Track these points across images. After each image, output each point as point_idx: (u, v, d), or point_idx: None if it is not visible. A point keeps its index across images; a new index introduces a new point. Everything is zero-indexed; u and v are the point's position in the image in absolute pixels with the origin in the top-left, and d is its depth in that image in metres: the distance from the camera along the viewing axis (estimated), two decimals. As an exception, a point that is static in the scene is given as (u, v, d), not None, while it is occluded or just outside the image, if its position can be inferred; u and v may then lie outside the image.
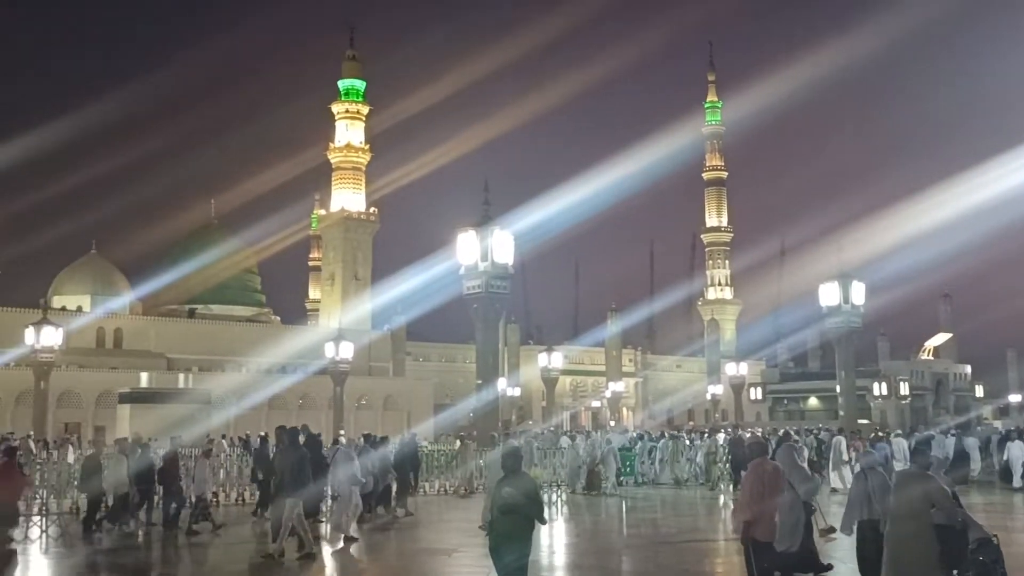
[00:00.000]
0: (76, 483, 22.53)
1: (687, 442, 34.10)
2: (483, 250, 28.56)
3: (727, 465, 30.08)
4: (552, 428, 51.11)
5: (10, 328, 54.42)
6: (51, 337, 46.06)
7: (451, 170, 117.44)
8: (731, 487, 28.85)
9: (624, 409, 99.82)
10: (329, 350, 54.38)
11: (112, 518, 20.14)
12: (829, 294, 41.40)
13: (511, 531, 9.62)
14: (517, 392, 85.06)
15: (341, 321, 68.79)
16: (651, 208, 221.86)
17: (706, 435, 36.43)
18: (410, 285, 79.59)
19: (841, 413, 43.93)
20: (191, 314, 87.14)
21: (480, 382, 31.09)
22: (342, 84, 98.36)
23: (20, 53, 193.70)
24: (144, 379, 54.79)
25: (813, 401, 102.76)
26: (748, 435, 31.67)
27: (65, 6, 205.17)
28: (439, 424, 67.78)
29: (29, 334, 45.95)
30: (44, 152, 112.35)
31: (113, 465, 20.46)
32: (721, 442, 32.44)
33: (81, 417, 64.82)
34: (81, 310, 78.74)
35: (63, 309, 75.11)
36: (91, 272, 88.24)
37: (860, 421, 49.67)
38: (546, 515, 11.26)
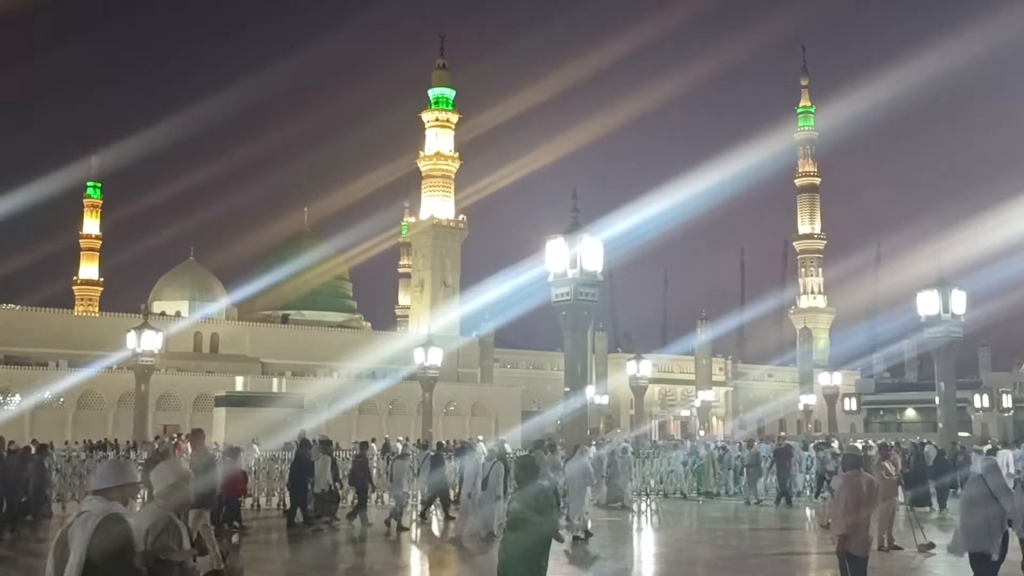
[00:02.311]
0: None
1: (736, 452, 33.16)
2: (572, 257, 28.41)
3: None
4: (624, 438, 50.63)
5: (113, 332, 56.21)
6: (151, 341, 47.28)
7: (539, 177, 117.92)
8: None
9: (714, 418, 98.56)
10: (418, 356, 54.73)
11: (321, 511, 21.53)
12: (928, 303, 40.12)
13: (520, 549, 8.64)
14: (605, 400, 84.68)
15: (430, 327, 69.35)
16: (742, 215, 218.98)
17: (744, 444, 35.34)
18: (498, 292, 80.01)
19: (940, 425, 42.59)
20: (285, 320, 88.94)
21: (568, 389, 30.93)
22: (432, 93, 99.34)
23: (116, 64, 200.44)
24: (239, 383, 55.97)
25: (910, 413, 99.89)
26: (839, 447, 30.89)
27: (158, 24, 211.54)
28: (527, 431, 67.81)
29: (131, 338, 47.23)
30: (145, 162, 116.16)
31: (320, 466, 21.71)
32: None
33: (179, 419, 66.56)
34: (179, 315, 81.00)
35: (163, 314, 77.37)
36: (189, 278, 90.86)
37: (960, 434, 48.08)
38: (563, 530, 10.62)
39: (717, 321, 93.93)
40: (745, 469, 30.02)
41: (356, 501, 22.16)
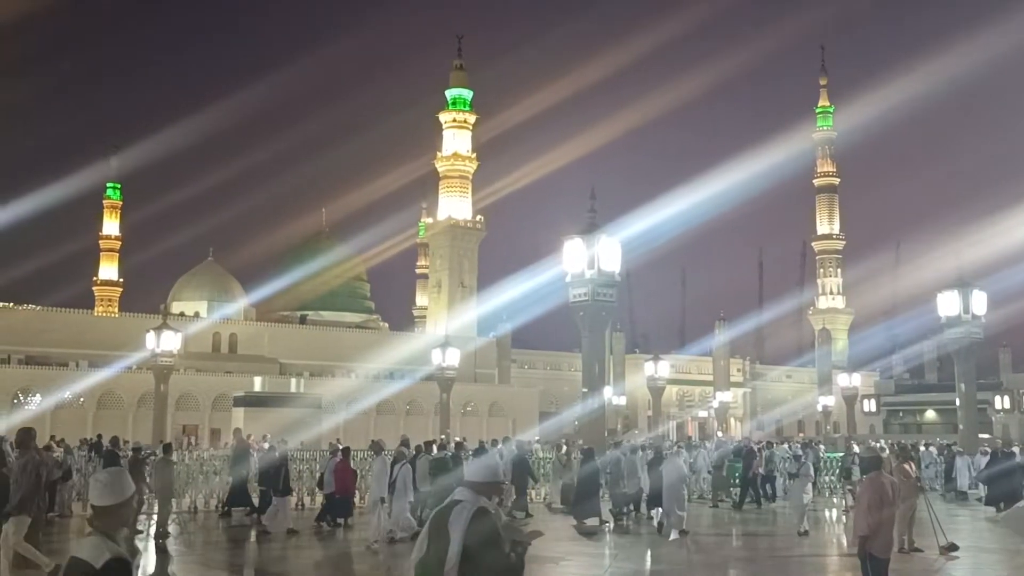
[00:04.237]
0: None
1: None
2: (589, 258, 28.36)
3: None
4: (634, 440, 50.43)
5: (133, 333, 56.54)
6: (170, 342, 47.44)
7: (557, 177, 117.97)
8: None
9: (732, 419, 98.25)
10: (436, 356, 54.81)
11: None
12: (948, 304, 39.87)
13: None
14: (623, 401, 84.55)
15: (447, 328, 69.53)
16: (760, 215, 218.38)
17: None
18: (515, 293, 79.91)
19: (960, 427, 42.32)
20: (303, 320, 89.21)
21: (585, 390, 30.87)
22: (449, 93, 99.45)
23: (135, 64, 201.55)
24: (258, 383, 56.11)
25: (930, 414, 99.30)
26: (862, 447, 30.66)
27: (177, 24, 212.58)
28: (544, 432, 67.76)
29: (150, 339, 47.40)
30: (164, 163, 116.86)
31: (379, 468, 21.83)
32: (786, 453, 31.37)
33: (198, 419, 66.86)
34: (198, 316, 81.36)
35: (181, 315, 77.76)
36: (208, 279, 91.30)
37: (981, 435, 47.74)
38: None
39: (735, 322, 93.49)
40: (712, 470, 29.91)
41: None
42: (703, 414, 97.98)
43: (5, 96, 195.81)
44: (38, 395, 64.45)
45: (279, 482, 20.73)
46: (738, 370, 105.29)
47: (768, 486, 29.07)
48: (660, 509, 21.13)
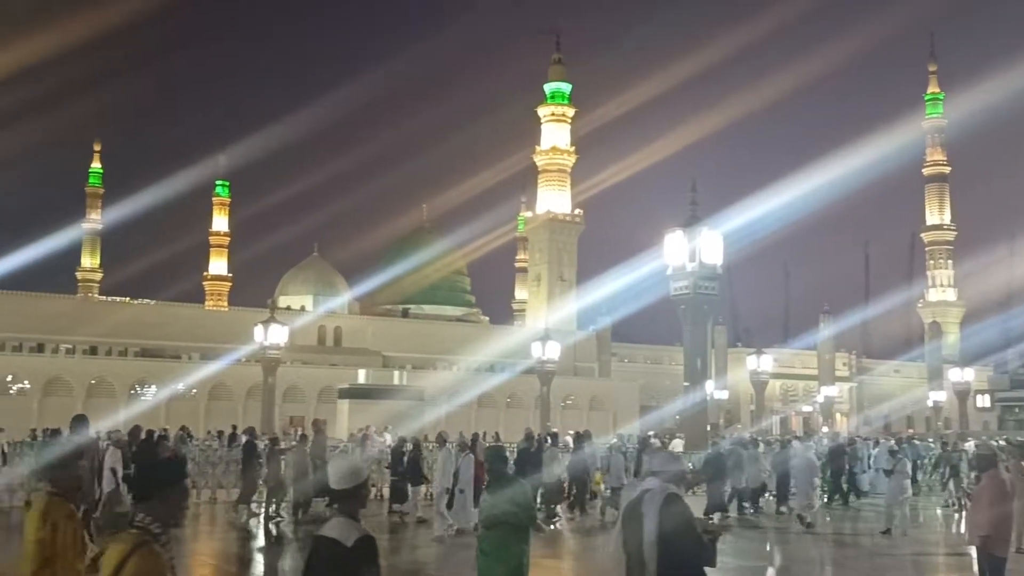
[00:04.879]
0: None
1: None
2: (691, 251, 28.16)
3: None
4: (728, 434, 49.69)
5: (242, 326, 58.12)
6: (277, 335, 48.57)
7: (657, 170, 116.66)
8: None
9: (838, 415, 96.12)
10: (536, 350, 54.95)
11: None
12: (1067, 296, 38.33)
13: (498, 548, 8.27)
14: (725, 395, 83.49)
15: (547, 321, 69.53)
16: (867, 207, 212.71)
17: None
18: (615, 286, 79.63)
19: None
20: (405, 314, 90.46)
21: (687, 384, 30.70)
22: (548, 88, 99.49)
23: (242, 65, 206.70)
24: (362, 376, 57.21)
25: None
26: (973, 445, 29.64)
27: (283, 22, 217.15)
28: (645, 425, 67.46)
29: (258, 332, 48.60)
30: (271, 160, 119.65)
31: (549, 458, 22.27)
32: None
33: (304, 411, 68.29)
34: (304, 309, 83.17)
35: (288, 308, 79.58)
36: (313, 273, 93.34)
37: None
38: (541, 523, 10.50)
39: (840, 315, 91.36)
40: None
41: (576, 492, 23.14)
42: (807, 409, 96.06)
43: (119, 97, 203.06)
44: (153, 387, 66.76)
45: (418, 471, 21.34)
46: (844, 364, 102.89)
47: (852, 483, 28.12)
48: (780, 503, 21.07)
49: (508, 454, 11.08)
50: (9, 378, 64.37)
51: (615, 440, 29.03)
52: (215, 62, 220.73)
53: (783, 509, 22.46)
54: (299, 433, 24.07)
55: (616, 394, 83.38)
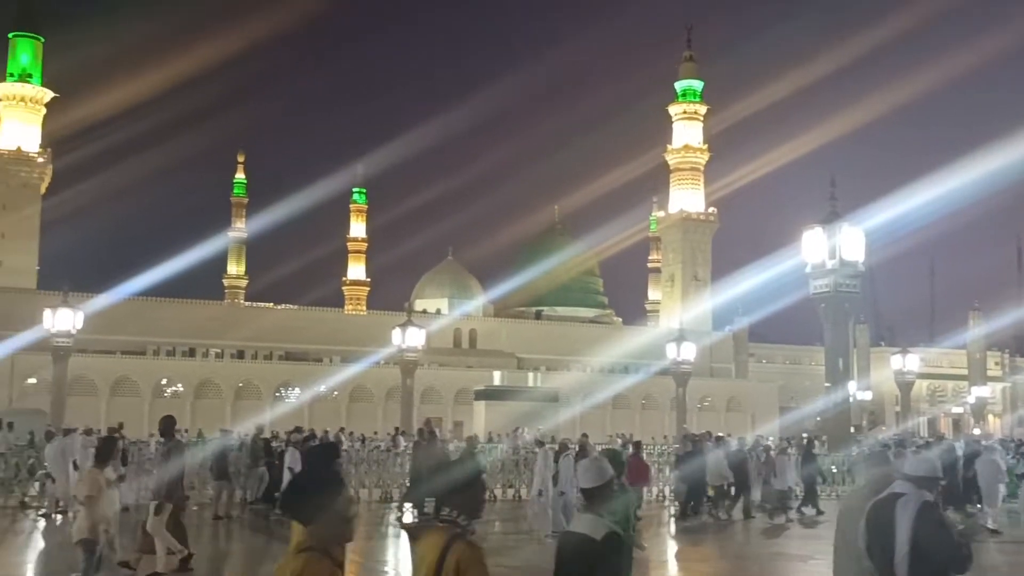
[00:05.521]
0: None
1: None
2: (831, 248, 27.42)
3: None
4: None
5: (380, 329, 59.48)
6: (415, 338, 49.41)
7: (793, 168, 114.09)
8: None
9: (990, 416, 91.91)
10: (670, 351, 54.37)
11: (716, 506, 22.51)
12: None
13: None
14: (868, 396, 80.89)
15: (681, 322, 68.84)
16: (1019, 202, 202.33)
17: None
18: (751, 285, 78.09)
19: None
20: (538, 316, 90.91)
21: (828, 385, 29.92)
22: (679, 85, 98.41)
23: (379, 72, 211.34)
24: (497, 377, 57.83)
25: None
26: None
27: (416, 33, 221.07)
28: (784, 427, 66.04)
29: (396, 335, 49.56)
30: (405, 167, 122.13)
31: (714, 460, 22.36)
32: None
33: (441, 412, 69.35)
34: (439, 312, 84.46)
35: (424, 312, 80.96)
36: (448, 277, 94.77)
37: None
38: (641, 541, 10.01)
39: (991, 313, 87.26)
40: None
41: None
42: (957, 410, 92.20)
43: (261, 110, 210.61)
44: (297, 389, 69.02)
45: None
46: (996, 363, 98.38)
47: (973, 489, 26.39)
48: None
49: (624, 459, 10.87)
50: (164, 381, 67.60)
51: (766, 441, 28.47)
52: (352, 74, 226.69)
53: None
54: (425, 433, 24.45)
55: (754, 395, 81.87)
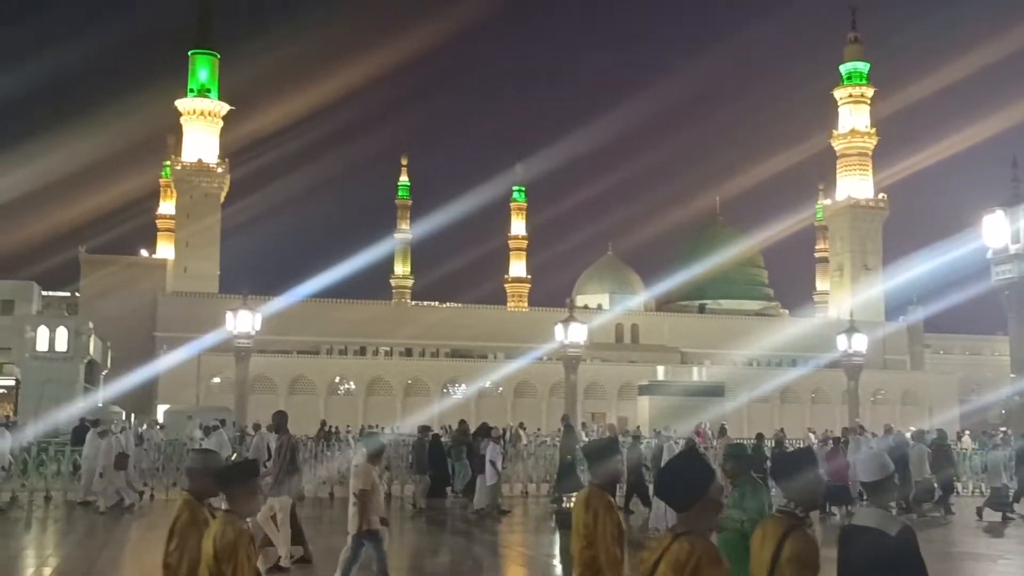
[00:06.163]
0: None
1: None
2: (1014, 232, 26.00)
3: None
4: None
5: (541, 326, 60.10)
6: (577, 333, 49.53)
7: (970, 151, 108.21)
8: None
9: None
10: (840, 343, 52.65)
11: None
12: None
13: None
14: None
15: (852, 313, 66.62)
16: None
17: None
18: (925, 273, 74.91)
19: None
20: (701, 309, 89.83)
21: (1014, 376, 28.42)
22: (844, 68, 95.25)
23: (538, 73, 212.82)
24: (660, 372, 57.47)
25: None
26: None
27: (577, 33, 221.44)
28: (966, 419, 63.15)
29: (558, 331, 49.81)
30: (564, 164, 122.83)
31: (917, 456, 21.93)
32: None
33: (605, 407, 69.51)
34: (601, 307, 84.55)
35: (585, 307, 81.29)
36: (608, 272, 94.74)
37: None
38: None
39: None
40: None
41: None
42: None
43: (423, 114, 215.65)
44: (463, 385, 70.43)
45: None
46: None
47: None
48: None
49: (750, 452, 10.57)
50: (337, 379, 70.23)
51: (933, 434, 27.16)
52: (510, 76, 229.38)
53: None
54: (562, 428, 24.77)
55: (931, 387, 78.52)
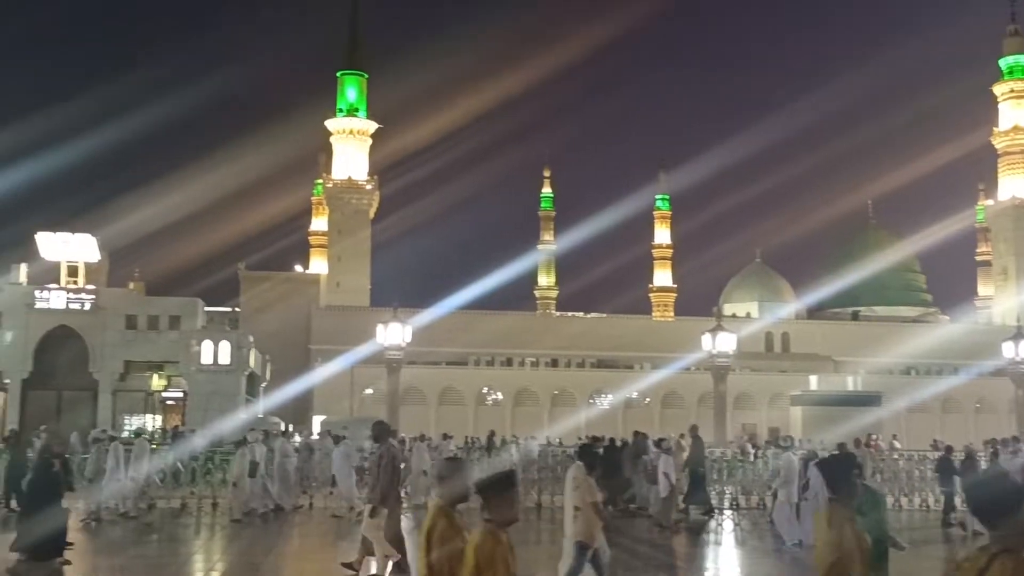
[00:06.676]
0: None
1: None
2: None
3: None
4: None
5: (688, 335, 59.35)
6: (726, 343, 48.93)
7: None
8: None
9: None
10: (1007, 350, 50.30)
11: None
12: None
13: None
14: None
15: (1019, 318, 63.34)
16: None
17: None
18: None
19: None
20: (855, 316, 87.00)
21: None
22: (1004, 62, 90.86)
23: (686, 84, 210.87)
24: (813, 382, 55.97)
25: None
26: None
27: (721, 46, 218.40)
28: None
29: (706, 340, 49.30)
30: (708, 173, 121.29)
31: None
32: None
33: (755, 418, 67.99)
34: (749, 316, 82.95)
35: (733, 316, 79.90)
36: (756, 280, 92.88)
37: None
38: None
39: None
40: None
41: None
42: None
43: (561, 128, 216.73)
44: (609, 395, 70.20)
45: None
46: None
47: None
48: None
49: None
50: (485, 390, 71.12)
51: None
52: (654, 88, 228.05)
53: None
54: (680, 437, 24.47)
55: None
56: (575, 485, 10.90)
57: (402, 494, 18.30)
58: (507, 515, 5.38)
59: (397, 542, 13.35)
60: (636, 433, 24.83)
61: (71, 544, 15.50)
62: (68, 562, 14.72)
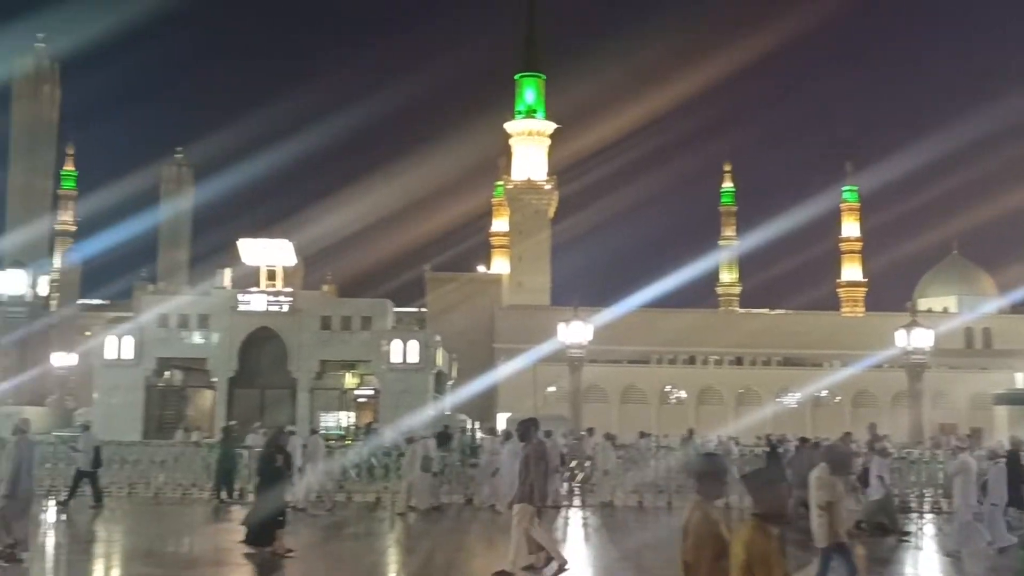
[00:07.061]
0: None
1: None
2: None
3: None
4: None
5: (879, 331, 57.11)
6: (921, 339, 46.91)
7: None
8: None
9: None
10: None
11: None
12: None
13: None
14: None
15: None
16: None
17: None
18: None
19: None
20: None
21: None
22: None
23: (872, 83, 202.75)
24: (1019, 379, 52.84)
25: None
26: None
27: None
28: None
29: (900, 336, 47.41)
30: (897, 163, 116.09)
31: None
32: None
33: (955, 418, 64.61)
34: (946, 311, 79.05)
35: (928, 311, 76.25)
36: (954, 273, 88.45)
37: None
38: None
39: None
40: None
41: None
42: None
43: (742, 122, 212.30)
44: (797, 393, 68.35)
45: None
46: None
47: None
48: None
49: None
50: (667, 388, 70.59)
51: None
52: (842, 83, 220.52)
53: None
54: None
55: None
56: (819, 485, 10.60)
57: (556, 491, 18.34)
58: (776, 508, 5.14)
59: (532, 541, 13.43)
60: (846, 434, 23.80)
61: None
62: (291, 551, 15.57)
